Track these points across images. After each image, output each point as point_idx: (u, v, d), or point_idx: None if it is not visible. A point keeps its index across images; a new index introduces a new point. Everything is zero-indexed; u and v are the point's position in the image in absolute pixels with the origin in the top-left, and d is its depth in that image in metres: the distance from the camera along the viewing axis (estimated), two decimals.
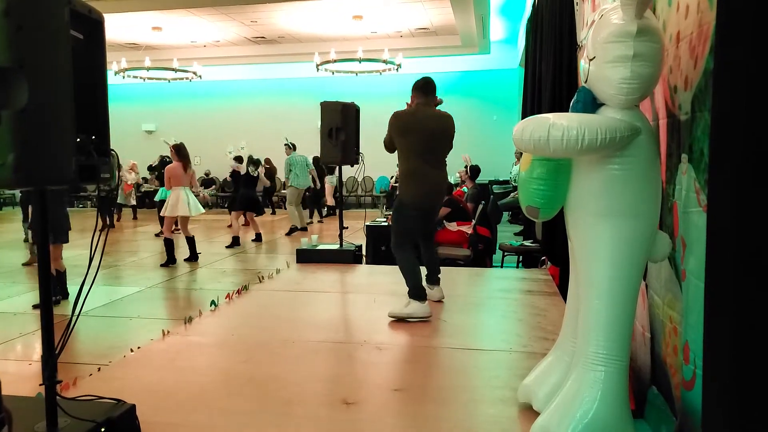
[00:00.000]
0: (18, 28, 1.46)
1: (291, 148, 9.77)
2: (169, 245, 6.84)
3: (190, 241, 7.04)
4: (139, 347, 3.10)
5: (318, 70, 11.37)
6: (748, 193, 1.17)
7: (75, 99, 1.59)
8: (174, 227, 7.11)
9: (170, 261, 6.82)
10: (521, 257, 6.21)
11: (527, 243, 6.33)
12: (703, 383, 1.35)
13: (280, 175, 11.75)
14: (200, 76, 12.43)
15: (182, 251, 7.16)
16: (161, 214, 7.23)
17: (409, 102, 3.79)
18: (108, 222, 9.92)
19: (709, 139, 1.50)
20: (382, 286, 4.41)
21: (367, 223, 6.48)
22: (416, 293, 3.52)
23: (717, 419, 1.27)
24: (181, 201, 6.84)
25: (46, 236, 1.73)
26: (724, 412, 1.25)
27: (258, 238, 8.67)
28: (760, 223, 1.16)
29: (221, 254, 7.73)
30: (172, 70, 11.89)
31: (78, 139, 1.61)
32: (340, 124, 5.19)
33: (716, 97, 1.27)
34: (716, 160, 1.28)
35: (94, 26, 1.74)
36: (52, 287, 1.75)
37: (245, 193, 8.61)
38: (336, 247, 5.59)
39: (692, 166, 1.75)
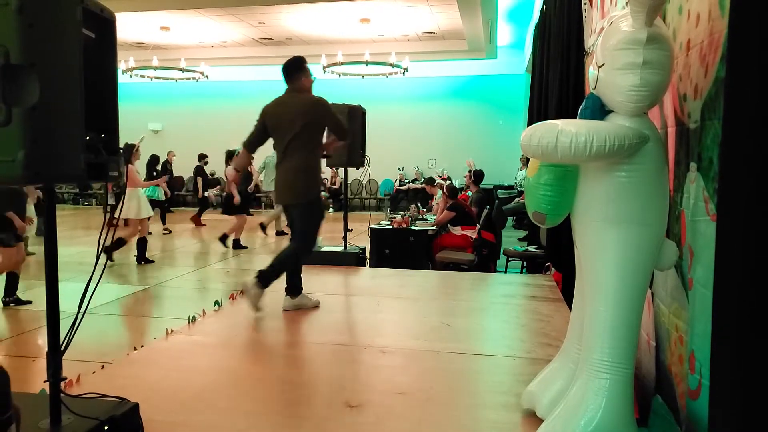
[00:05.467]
0: (30, 25, 1.46)
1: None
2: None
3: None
4: (142, 346, 3.11)
5: (325, 72, 11.38)
6: (758, 202, 1.17)
7: (85, 97, 1.60)
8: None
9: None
10: (525, 263, 6.20)
11: (532, 248, 6.32)
12: (710, 393, 1.34)
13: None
14: (207, 77, 12.46)
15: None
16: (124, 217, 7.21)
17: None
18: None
19: (719, 147, 1.49)
20: (385, 289, 4.41)
21: (372, 226, 6.48)
22: (290, 290, 3.76)
23: (723, 430, 1.26)
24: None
25: (54, 233, 1.73)
26: (731, 424, 1.24)
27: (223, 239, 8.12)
28: None
29: (225, 254, 7.74)
30: (180, 69, 11.93)
31: (87, 137, 1.62)
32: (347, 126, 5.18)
33: (727, 105, 1.27)
34: (726, 168, 1.27)
35: (106, 25, 1.75)
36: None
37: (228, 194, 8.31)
38: (340, 249, 5.59)
39: (701, 175, 1.74)
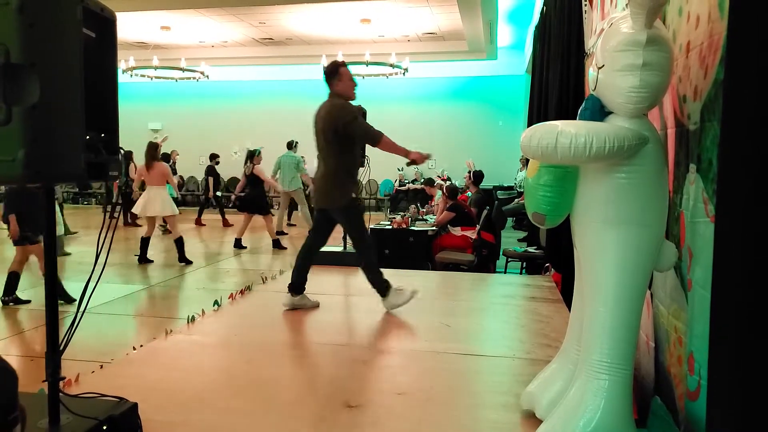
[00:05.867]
0: (30, 25, 1.46)
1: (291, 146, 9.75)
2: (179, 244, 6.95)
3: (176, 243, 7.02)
4: (141, 345, 3.11)
5: None
6: (756, 203, 1.17)
7: (85, 97, 1.60)
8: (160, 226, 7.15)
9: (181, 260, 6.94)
10: (525, 263, 6.21)
11: (531, 249, 6.33)
12: (708, 394, 1.34)
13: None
14: (207, 76, 12.46)
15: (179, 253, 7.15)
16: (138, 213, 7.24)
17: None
18: (119, 218, 9.94)
19: (718, 148, 1.50)
20: None
21: (371, 226, 6.48)
22: (294, 287, 3.74)
23: (721, 430, 1.26)
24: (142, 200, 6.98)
25: (53, 233, 1.73)
26: (729, 424, 1.24)
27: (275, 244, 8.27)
28: None
29: (225, 254, 7.75)
30: (180, 69, 11.93)
31: (87, 137, 1.62)
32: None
33: (726, 107, 1.27)
34: (725, 169, 1.28)
35: (106, 25, 1.75)
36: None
37: (248, 193, 8.41)
38: (340, 249, 5.58)
39: (700, 176, 1.74)
